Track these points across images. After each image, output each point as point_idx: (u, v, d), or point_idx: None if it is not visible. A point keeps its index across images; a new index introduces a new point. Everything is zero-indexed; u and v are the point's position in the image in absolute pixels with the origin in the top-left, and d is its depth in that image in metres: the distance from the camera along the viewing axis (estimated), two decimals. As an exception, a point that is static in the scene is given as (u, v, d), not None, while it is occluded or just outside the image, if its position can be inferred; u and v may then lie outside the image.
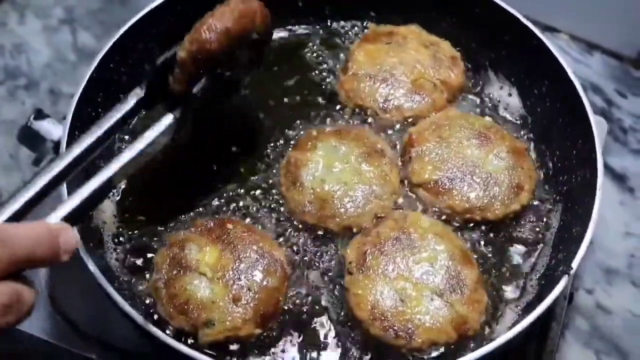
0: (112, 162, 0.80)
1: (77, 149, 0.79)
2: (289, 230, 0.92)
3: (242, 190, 0.95)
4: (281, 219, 0.92)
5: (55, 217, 0.71)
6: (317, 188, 0.92)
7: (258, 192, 0.95)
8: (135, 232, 0.92)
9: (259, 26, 0.87)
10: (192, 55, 0.82)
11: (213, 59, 0.83)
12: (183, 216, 0.93)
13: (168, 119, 0.85)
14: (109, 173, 0.79)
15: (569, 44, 1.37)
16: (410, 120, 1.00)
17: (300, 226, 0.91)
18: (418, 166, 0.95)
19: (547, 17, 1.36)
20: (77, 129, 0.90)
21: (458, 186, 0.93)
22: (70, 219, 0.72)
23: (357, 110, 1.01)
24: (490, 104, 1.04)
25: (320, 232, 0.91)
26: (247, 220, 0.92)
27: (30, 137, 1.10)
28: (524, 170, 0.95)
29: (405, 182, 0.95)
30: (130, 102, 0.84)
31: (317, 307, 0.86)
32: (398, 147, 0.98)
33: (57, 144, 1.10)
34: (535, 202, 0.95)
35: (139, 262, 0.89)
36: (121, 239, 0.91)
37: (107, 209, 0.94)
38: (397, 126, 1.00)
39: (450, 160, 0.95)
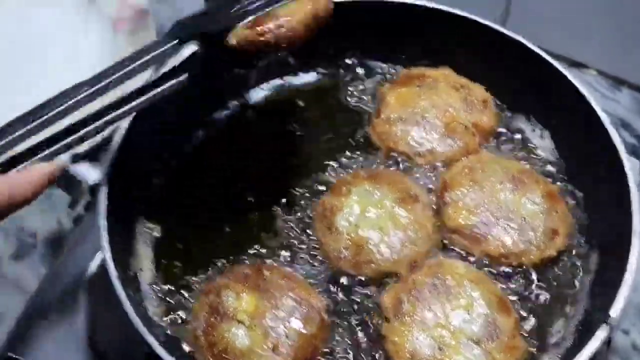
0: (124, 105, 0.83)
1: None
2: (325, 276, 0.92)
3: (276, 236, 0.96)
4: (317, 264, 0.93)
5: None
6: (353, 234, 0.92)
7: (293, 237, 0.96)
8: (173, 278, 0.92)
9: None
10: (242, 47, 0.85)
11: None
12: (220, 262, 0.93)
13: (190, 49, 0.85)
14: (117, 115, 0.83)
15: (597, 79, 1.37)
16: (443, 163, 1.00)
17: (336, 272, 0.92)
18: (452, 211, 0.95)
19: (575, 52, 1.36)
20: (115, 174, 0.92)
21: (493, 231, 0.93)
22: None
23: (390, 154, 1.01)
24: (522, 147, 1.05)
25: (356, 279, 0.91)
26: (283, 266, 0.93)
27: (66, 180, 1.12)
28: (558, 214, 0.95)
29: (440, 227, 0.95)
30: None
31: (355, 355, 0.86)
32: (431, 191, 0.99)
33: (93, 187, 1.12)
34: (571, 247, 0.95)
35: (177, 309, 0.90)
36: (159, 286, 0.92)
37: (144, 255, 0.94)
38: (430, 170, 1.00)
39: (484, 205, 0.95)
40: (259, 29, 0.86)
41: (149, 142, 0.98)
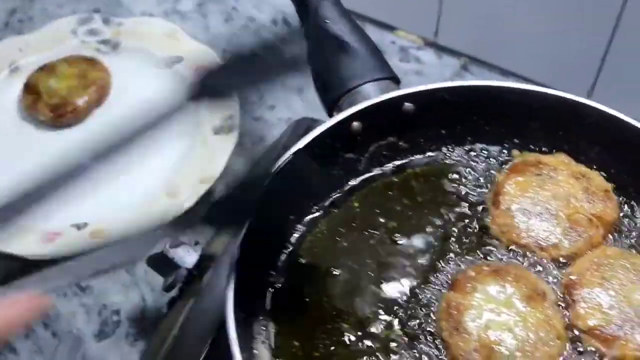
0: None
1: None
2: (455, 380, 0.88)
3: (396, 335, 0.91)
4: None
5: None
6: (483, 334, 0.88)
7: (415, 336, 0.91)
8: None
9: None
10: None
11: None
12: (344, 361, 0.89)
13: None
14: None
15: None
16: (566, 258, 0.96)
17: None
18: (583, 311, 0.91)
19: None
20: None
21: (628, 333, 0.88)
22: None
23: (511, 247, 0.98)
24: (636, 238, 1.01)
25: (487, 385, 0.87)
26: (407, 368, 0.89)
27: (162, 263, 1.09)
28: None
29: (569, 326, 0.91)
30: None
31: None
32: (556, 287, 0.95)
33: (190, 271, 1.09)
34: None
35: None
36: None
37: (263, 354, 0.90)
38: (553, 264, 0.97)
39: (616, 305, 0.90)
40: None
41: (264, 234, 0.95)
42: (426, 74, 1.51)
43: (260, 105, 1.48)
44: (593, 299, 0.91)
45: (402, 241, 1.00)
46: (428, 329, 0.92)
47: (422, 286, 0.95)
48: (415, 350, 0.90)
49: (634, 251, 0.98)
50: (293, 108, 1.47)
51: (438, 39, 1.54)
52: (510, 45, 1.48)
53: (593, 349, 0.89)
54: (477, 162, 1.08)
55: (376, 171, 1.07)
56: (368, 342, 0.91)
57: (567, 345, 0.90)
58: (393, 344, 0.91)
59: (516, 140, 1.08)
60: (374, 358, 0.90)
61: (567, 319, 0.91)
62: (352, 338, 0.92)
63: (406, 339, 0.91)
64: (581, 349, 0.90)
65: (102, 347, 1.19)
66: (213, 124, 1.37)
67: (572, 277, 0.94)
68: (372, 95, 1.03)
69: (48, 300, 0.72)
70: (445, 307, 0.92)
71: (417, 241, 1.00)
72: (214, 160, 1.32)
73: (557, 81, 1.26)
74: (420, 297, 0.94)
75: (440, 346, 0.90)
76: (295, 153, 0.95)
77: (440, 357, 0.90)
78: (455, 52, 1.54)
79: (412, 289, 0.95)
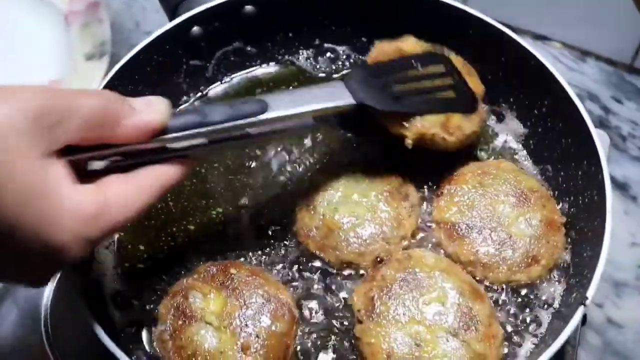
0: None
1: None
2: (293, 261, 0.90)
3: (251, 205, 0.95)
4: (285, 242, 0.92)
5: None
6: (327, 215, 0.90)
7: (270, 210, 0.95)
8: (137, 281, 0.90)
9: None
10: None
11: None
12: (186, 261, 0.91)
13: None
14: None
15: (562, 52, 1.35)
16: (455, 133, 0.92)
17: (300, 254, 0.90)
18: (444, 203, 0.92)
19: (538, 26, 1.34)
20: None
21: (472, 236, 0.90)
22: None
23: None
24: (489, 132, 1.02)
25: (331, 275, 0.89)
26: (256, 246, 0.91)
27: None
28: (548, 244, 0.90)
29: (428, 216, 0.93)
30: None
31: (329, 350, 0.85)
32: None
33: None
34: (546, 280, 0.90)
35: (143, 313, 0.88)
36: (122, 290, 0.90)
37: (106, 259, 0.91)
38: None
39: (478, 209, 0.91)
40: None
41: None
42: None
43: (137, 32, 1.45)
44: (460, 197, 0.92)
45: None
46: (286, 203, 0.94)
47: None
48: (266, 225, 0.93)
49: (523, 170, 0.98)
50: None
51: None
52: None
53: (437, 241, 0.91)
54: (329, 64, 1.07)
55: (226, 79, 1.06)
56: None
57: (413, 241, 0.91)
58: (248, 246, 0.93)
59: (364, 39, 1.06)
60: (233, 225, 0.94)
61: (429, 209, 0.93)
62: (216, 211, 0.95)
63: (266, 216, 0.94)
64: (429, 239, 0.92)
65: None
66: (84, 51, 1.35)
67: (453, 174, 0.95)
68: (212, -1, 1.01)
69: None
70: (307, 185, 0.94)
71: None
72: (85, 86, 1.30)
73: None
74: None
75: (288, 220, 0.93)
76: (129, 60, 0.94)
77: (286, 228, 0.92)
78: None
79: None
